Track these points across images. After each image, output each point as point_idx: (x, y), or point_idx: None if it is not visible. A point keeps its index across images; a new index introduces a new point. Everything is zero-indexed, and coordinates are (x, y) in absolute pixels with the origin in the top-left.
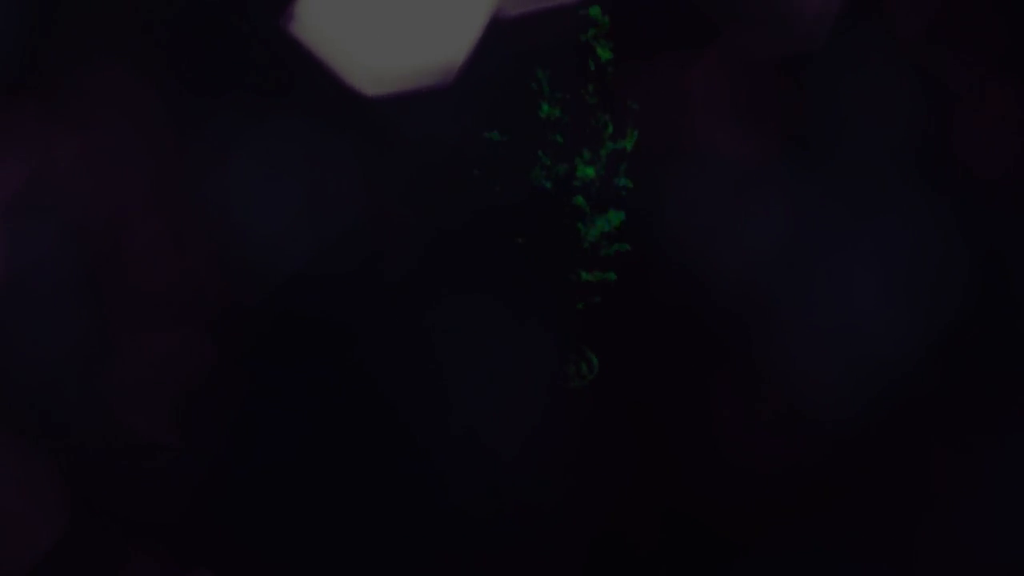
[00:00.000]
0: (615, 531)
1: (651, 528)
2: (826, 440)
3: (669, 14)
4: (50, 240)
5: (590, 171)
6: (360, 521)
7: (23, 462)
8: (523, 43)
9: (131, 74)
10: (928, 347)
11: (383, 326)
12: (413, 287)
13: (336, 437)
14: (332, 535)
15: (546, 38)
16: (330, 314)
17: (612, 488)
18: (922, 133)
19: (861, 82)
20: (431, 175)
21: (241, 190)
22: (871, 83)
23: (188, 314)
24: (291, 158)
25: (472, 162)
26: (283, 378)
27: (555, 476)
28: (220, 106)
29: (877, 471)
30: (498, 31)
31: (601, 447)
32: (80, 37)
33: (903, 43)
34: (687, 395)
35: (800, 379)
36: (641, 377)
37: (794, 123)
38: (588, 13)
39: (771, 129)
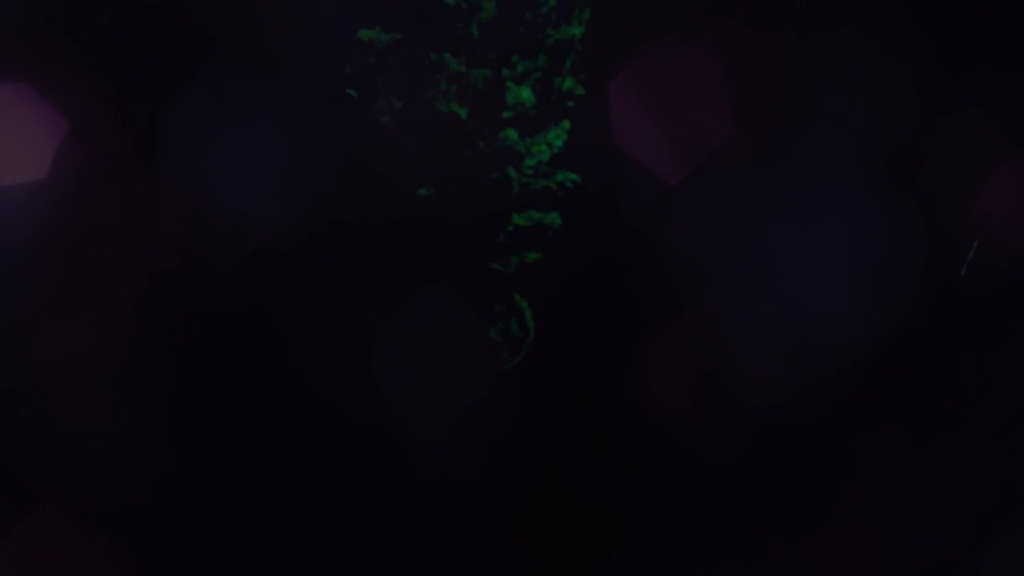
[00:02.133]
0: (540, 505)
1: (575, 503)
2: (761, 424)
3: None
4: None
5: (524, 93)
6: (291, 495)
7: None
8: None
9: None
10: (871, 340)
11: (301, 300)
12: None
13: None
14: (263, 510)
15: None
16: (254, 291)
17: (537, 463)
18: (887, 131)
19: (834, 77)
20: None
21: (191, 176)
22: (843, 78)
23: (124, 298)
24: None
25: (345, 78)
26: (214, 362)
27: (478, 448)
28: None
29: (807, 456)
30: None
31: (529, 422)
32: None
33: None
34: (622, 368)
35: (742, 367)
36: (576, 349)
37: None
38: None
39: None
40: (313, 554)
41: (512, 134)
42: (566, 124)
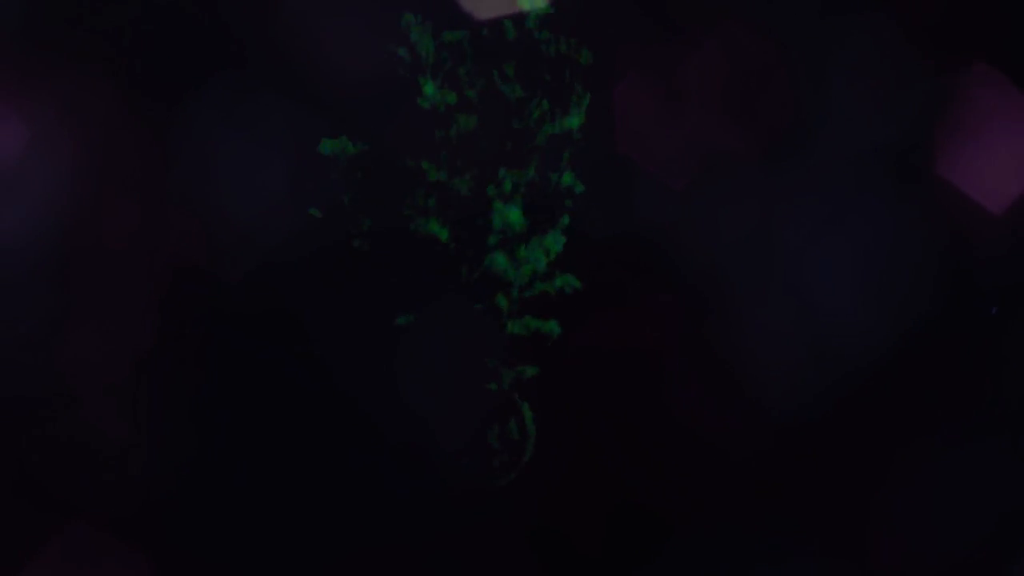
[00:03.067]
0: (563, 516)
1: (597, 513)
2: (783, 429)
3: None
4: (17, 226)
5: (513, 215)
6: (315, 507)
7: None
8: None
9: (104, 66)
10: (889, 343)
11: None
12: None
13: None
14: (286, 520)
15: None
16: (284, 315)
17: (559, 473)
18: (898, 133)
19: (842, 81)
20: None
21: (206, 184)
22: (851, 82)
23: (146, 305)
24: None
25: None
26: (240, 371)
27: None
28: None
29: (831, 460)
30: None
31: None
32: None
33: (887, 42)
34: (645, 381)
35: (761, 369)
36: (596, 353)
37: (772, 118)
38: None
39: (748, 123)
40: (335, 563)
41: (501, 260)
42: (565, 221)
